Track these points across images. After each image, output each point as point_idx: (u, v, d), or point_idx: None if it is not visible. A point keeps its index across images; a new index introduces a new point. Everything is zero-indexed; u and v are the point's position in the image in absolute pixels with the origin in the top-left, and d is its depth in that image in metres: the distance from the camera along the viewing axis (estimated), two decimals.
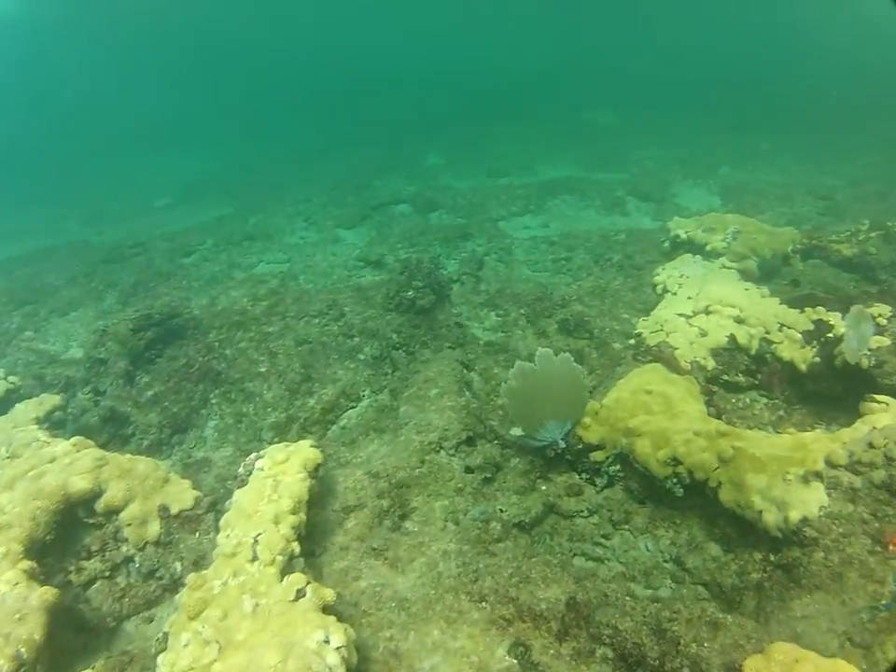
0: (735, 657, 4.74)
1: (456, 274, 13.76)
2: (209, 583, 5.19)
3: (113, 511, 6.73)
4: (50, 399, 9.65)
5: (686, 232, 12.95)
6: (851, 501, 5.70)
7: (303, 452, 6.84)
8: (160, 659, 4.71)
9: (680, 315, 9.83)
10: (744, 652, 4.78)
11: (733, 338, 9.14)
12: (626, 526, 7.07)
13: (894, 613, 4.88)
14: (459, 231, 16.97)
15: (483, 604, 5.73)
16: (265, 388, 10.35)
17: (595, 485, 7.59)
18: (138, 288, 15.29)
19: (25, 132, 48.37)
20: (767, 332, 9.03)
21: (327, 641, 4.51)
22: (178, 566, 6.68)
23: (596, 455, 7.64)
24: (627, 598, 5.73)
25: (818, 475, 5.87)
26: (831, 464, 5.96)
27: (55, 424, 9.41)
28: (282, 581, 5.13)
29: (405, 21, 68.92)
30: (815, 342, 8.54)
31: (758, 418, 8.36)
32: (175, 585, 6.51)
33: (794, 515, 5.64)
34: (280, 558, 5.37)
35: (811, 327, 8.72)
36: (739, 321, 9.33)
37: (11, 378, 10.56)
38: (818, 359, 8.29)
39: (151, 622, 6.40)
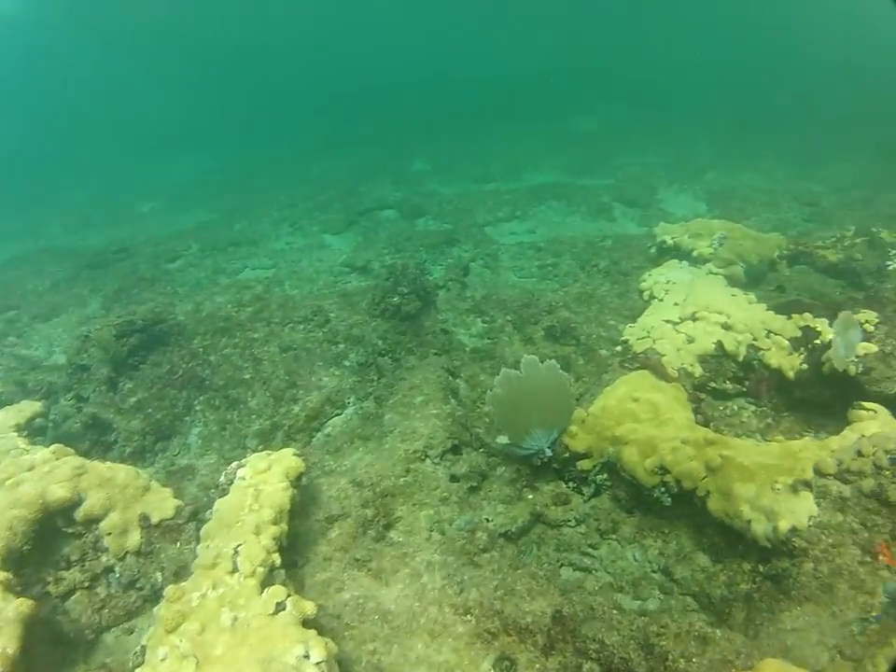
0: None
1: (442, 280, 13.68)
2: (188, 596, 5.10)
3: (93, 521, 6.61)
4: (31, 406, 9.49)
5: (672, 238, 12.93)
6: (840, 511, 5.68)
7: (285, 460, 6.77)
8: None
9: (667, 321, 9.79)
10: (733, 668, 4.75)
11: (720, 344, 9.10)
12: (614, 536, 7.01)
13: (885, 625, 4.84)
14: (445, 236, 16.91)
15: (468, 617, 5.67)
16: (249, 395, 10.26)
17: (583, 494, 7.53)
18: (122, 294, 15.16)
19: (20, 133, 47.95)
20: (755, 339, 8.99)
21: (307, 656, 4.44)
22: (159, 576, 6.58)
23: (583, 464, 7.59)
24: (614, 612, 5.68)
25: (807, 484, 5.84)
26: (820, 473, 5.95)
27: (36, 431, 9.26)
28: (262, 593, 5.05)
29: (390, 28, 68.91)
30: (802, 348, 8.51)
31: (746, 426, 8.31)
32: (156, 596, 6.39)
33: (783, 525, 5.60)
34: (260, 570, 5.29)
35: (798, 333, 8.69)
36: (726, 327, 9.28)
37: None
38: (805, 366, 8.25)
39: (132, 633, 6.31)
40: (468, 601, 5.82)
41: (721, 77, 40.90)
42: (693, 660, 4.93)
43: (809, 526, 5.59)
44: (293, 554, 6.48)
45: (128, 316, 11.15)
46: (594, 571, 6.65)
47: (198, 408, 10.22)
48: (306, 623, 4.91)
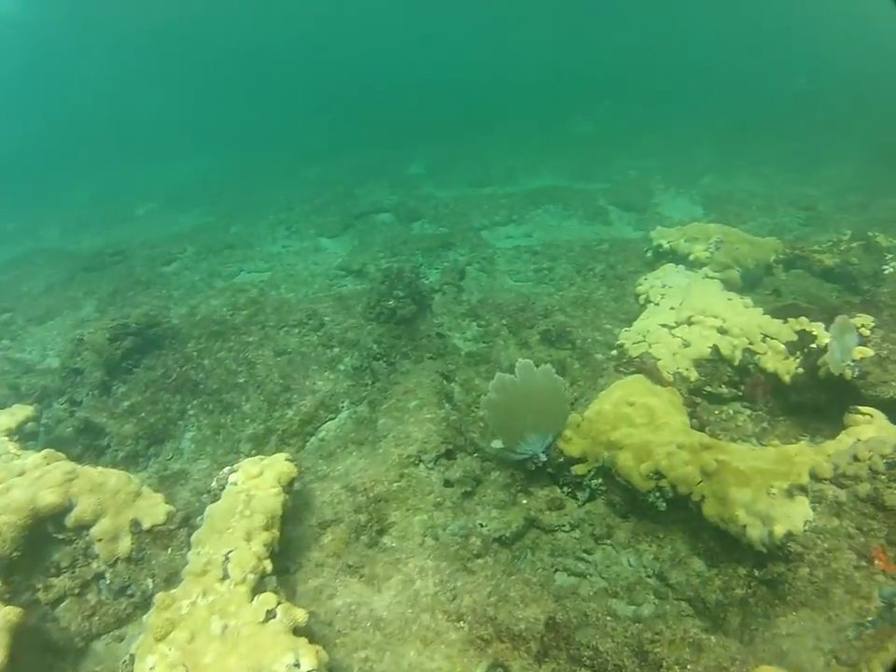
0: None
1: (438, 284, 13.65)
2: (177, 603, 5.05)
3: (83, 527, 6.56)
4: (23, 410, 9.43)
5: (669, 242, 12.92)
6: (836, 515, 5.65)
7: (278, 465, 6.73)
8: None
9: (663, 325, 9.78)
10: None
11: (716, 349, 9.08)
12: (609, 541, 6.99)
13: (881, 630, 4.80)
14: (441, 240, 16.86)
15: (461, 623, 5.63)
16: (243, 399, 10.22)
17: (577, 499, 7.52)
18: (117, 297, 15.11)
19: (21, 133, 47.83)
20: (751, 343, 8.97)
21: (297, 665, 4.40)
22: (150, 582, 6.53)
23: (578, 469, 7.56)
24: (608, 618, 5.65)
25: (802, 489, 5.83)
26: (815, 477, 5.92)
27: (28, 435, 9.18)
28: (252, 600, 5.00)
29: (388, 30, 68.83)
30: (798, 352, 8.49)
31: (741, 430, 8.28)
32: (147, 603, 6.31)
33: (779, 530, 5.58)
34: (251, 577, 5.24)
35: (794, 337, 8.67)
36: (722, 332, 9.26)
37: None
38: (801, 370, 8.23)
39: (122, 640, 6.26)
40: (461, 607, 5.78)
41: (717, 80, 40.90)
42: (688, 667, 4.91)
43: (805, 531, 5.57)
44: (285, 560, 6.43)
45: (122, 320, 11.12)
46: (588, 576, 6.63)
47: (191, 412, 10.17)
48: (297, 631, 4.87)
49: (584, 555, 6.88)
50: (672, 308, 10.16)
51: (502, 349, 10.98)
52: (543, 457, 7.60)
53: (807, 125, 26.75)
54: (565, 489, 7.64)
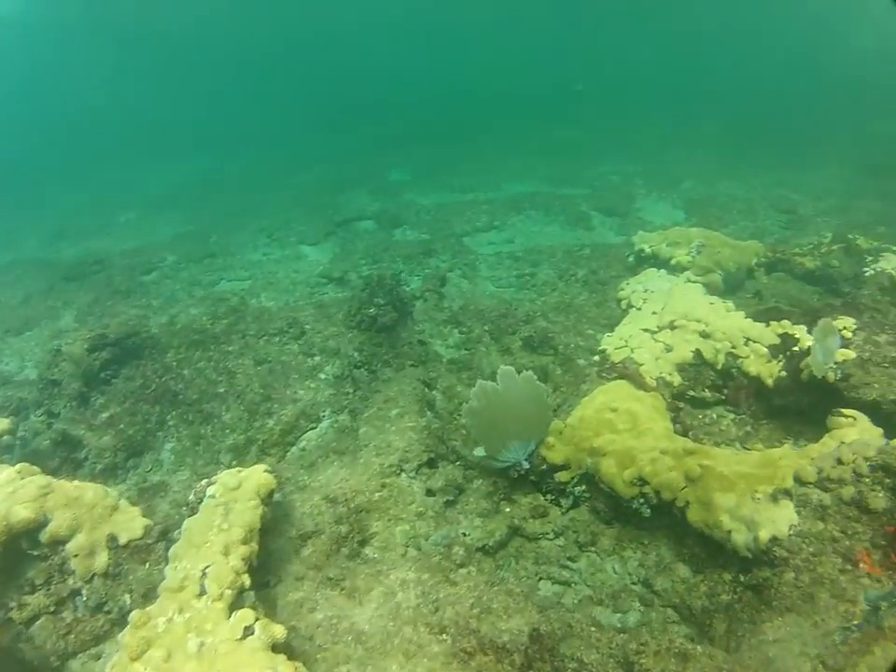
0: None
1: (419, 291, 13.58)
2: (153, 621, 4.96)
3: (59, 542, 6.45)
4: None
5: (650, 247, 12.93)
6: (821, 519, 5.64)
7: (256, 477, 6.64)
8: None
9: (645, 330, 9.78)
10: None
11: (698, 353, 9.08)
12: (593, 548, 6.97)
13: (867, 633, 4.78)
14: (423, 247, 16.83)
15: (444, 636, 5.57)
16: (223, 409, 10.12)
17: (561, 506, 7.48)
18: (96, 307, 14.97)
19: (14, 137, 47.30)
20: (733, 347, 8.96)
21: None
22: (127, 598, 6.42)
23: (561, 476, 7.54)
24: (592, 629, 5.60)
25: (787, 493, 5.83)
26: (800, 481, 5.92)
27: (3, 448, 9.11)
28: (230, 617, 4.91)
29: (373, 38, 68.82)
30: (781, 355, 8.49)
31: (725, 434, 8.28)
32: (124, 619, 6.13)
33: (764, 535, 5.57)
34: (228, 592, 5.16)
35: (777, 340, 8.67)
36: (705, 336, 9.25)
37: None
38: (784, 373, 8.24)
39: (99, 658, 6.14)
40: (443, 620, 5.72)
41: (697, 86, 41.13)
42: None
43: (790, 535, 5.56)
44: (265, 574, 6.36)
45: (100, 330, 11.02)
46: (573, 584, 6.60)
47: (171, 423, 10.05)
48: (277, 647, 4.79)
49: (569, 563, 6.85)
50: (654, 313, 10.15)
51: (484, 356, 10.93)
52: (526, 465, 7.56)
53: (788, 130, 26.95)
54: (548, 496, 7.60)
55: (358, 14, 63.81)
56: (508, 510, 7.45)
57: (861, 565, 5.22)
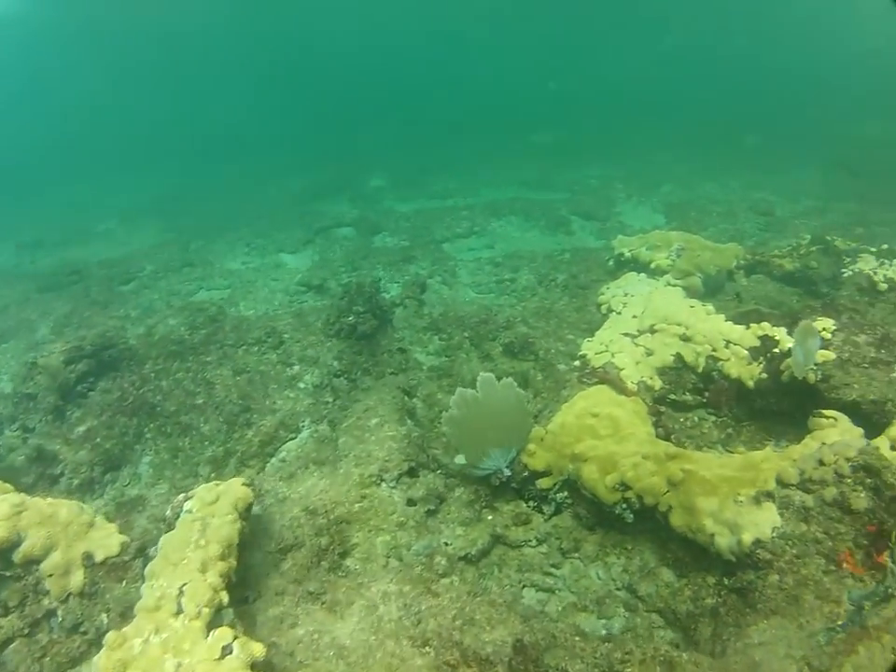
0: None
1: (399, 298, 13.50)
2: (129, 642, 4.86)
3: (33, 562, 6.32)
4: None
5: (630, 251, 12.95)
6: (804, 521, 5.62)
7: (234, 491, 6.54)
8: None
9: (626, 334, 9.78)
10: None
11: (679, 356, 9.09)
12: (576, 554, 6.95)
13: (851, 634, 4.75)
14: (402, 254, 16.83)
15: (427, 649, 5.51)
16: (202, 421, 10.01)
17: (543, 513, 7.45)
18: (73, 318, 14.79)
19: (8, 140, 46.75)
20: (714, 350, 8.96)
21: None
22: (104, 617, 6.29)
23: (543, 482, 7.52)
24: (577, 638, 5.56)
25: (769, 495, 5.83)
26: (782, 483, 5.92)
27: None
28: (208, 636, 4.82)
29: (351, 46, 68.72)
30: (761, 357, 8.50)
31: (707, 437, 8.28)
32: (101, 639, 6.01)
33: (747, 538, 5.57)
34: (206, 610, 5.07)
35: (757, 343, 8.67)
36: (685, 339, 9.25)
37: None
38: (765, 375, 8.26)
39: None
40: (426, 632, 5.66)
41: (675, 89, 41.36)
42: None
43: (773, 538, 5.55)
44: (244, 589, 6.27)
45: (77, 342, 10.85)
46: (557, 591, 6.58)
47: (149, 435, 9.93)
48: (256, 666, 4.71)
49: (552, 570, 6.82)
50: (634, 317, 10.15)
51: (465, 362, 10.88)
52: (507, 472, 7.52)
53: (767, 132, 27.15)
54: (530, 503, 7.57)
55: (340, 22, 63.73)
56: (490, 518, 7.40)
57: (845, 565, 5.21)
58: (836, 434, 6.41)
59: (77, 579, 6.35)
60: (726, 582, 5.75)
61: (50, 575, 6.26)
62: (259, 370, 10.96)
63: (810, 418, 7.10)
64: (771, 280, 12.32)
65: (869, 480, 5.56)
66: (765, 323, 8.84)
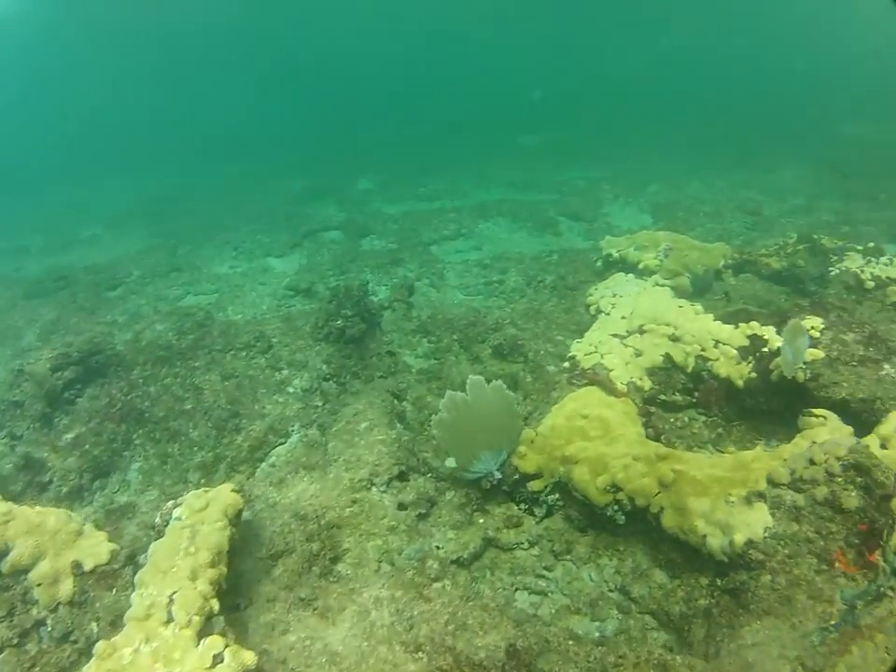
0: None
1: (387, 301, 13.47)
2: (119, 652, 4.81)
3: (21, 571, 6.28)
4: None
5: (618, 251, 12.97)
6: (795, 520, 5.63)
7: (223, 497, 6.50)
8: None
9: (615, 335, 9.78)
10: None
11: (668, 357, 9.10)
12: (568, 557, 6.92)
13: (844, 633, 4.76)
14: (390, 256, 16.81)
15: (420, 654, 5.49)
16: (191, 426, 9.96)
17: (535, 516, 7.43)
18: (59, 325, 14.69)
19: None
20: (703, 349, 8.97)
21: None
22: (94, 626, 6.23)
23: (534, 485, 7.49)
24: (570, 642, 5.55)
25: (760, 495, 5.83)
26: (773, 483, 5.93)
27: None
28: (198, 645, 4.78)
29: (337, 48, 68.62)
30: (750, 357, 8.52)
31: (697, 437, 8.30)
32: (92, 648, 6.00)
33: (739, 538, 5.57)
34: (196, 619, 5.02)
35: (746, 342, 8.70)
36: (674, 339, 9.27)
37: None
38: (754, 375, 8.28)
39: None
40: (418, 638, 5.63)
41: (661, 89, 41.42)
42: None
43: (765, 538, 5.55)
44: (235, 596, 6.23)
45: (63, 348, 10.79)
46: (549, 594, 6.56)
47: (137, 442, 9.87)
48: None
49: (545, 572, 6.80)
50: (623, 317, 10.15)
51: (454, 365, 10.86)
52: (498, 475, 7.50)
53: (755, 132, 27.27)
54: (521, 506, 7.55)
55: (339, 24, 63.72)
56: (481, 521, 7.38)
57: (837, 564, 5.23)
58: (826, 433, 6.41)
59: (67, 588, 6.30)
60: (719, 583, 5.74)
61: (39, 584, 6.21)
62: (247, 374, 10.92)
63: (800, 417, 7.12)
64: (759, 279, 12.36)
65: (859, 478, 5.57)
66: (754, 322, 8.87)
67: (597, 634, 5.96)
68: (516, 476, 7.56)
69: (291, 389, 10.47)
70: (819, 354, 7.81)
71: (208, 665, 4.59)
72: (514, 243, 17.79)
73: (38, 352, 11.58)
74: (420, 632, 5.69)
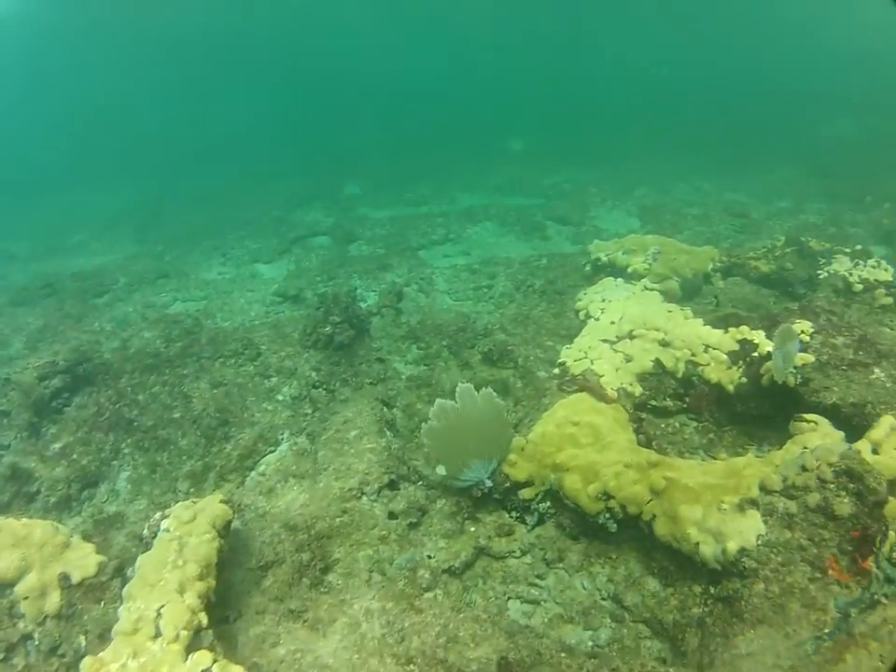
0: None
1: (376, 307, 13.41)
2: (106, 668, 4.74)
3: (7, 585, 6.19)
4: None
5: (607, 255, 12.95)
6: (788, 528, 5.59)
7: (212, 508, 6.44)
8: None
9: (604, 340, 9.75)
10: None
11: (658, 362, 9.09)
12: (561, 565, 6.88)
13: (838, 641, 4.74)
14: (378, 262, 16.78)
15: (411, 667, 5.46)
16: (180, 435, 9.88)
17: (526, 524, 7.39)
18: (46, 333, 14.58)
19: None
20: (693, 354, 8.97)
21: None
22: (82, 639, 6.16)
23: (525, 493, 7.45)
24: (562, 654, 5.51)
25: (753, 502, 5.80)
26: (765, 489, 5.89)
27: None
28: (186, 659, 4.72)
29: (324, 51, 68.57)
30: (741, 361, 8.52)
31: (688, 442, 8.29)
32: (79, 662, 5.96)
33: (732, 546, 5.53)
34: (185, 633, 4.96)
35: (736, 347, 8.70)
36: (664, 344, 9.26)
37: None
38: (744, 379, 8.28)
39: None
40: (409, 650, 5.59)
41: (647, 93, 41.56)
42: None
43: (758, 545, 5.51)
44: (224, 608, 6.17)
45: (50, 357, 10.71)
46: (542, 603, 6.51)
47: (126, 451, 9.79)
48: None
49: (537, 581, 6.75)
50: (612, 322, 10.12)
51: (444, 371, 10.82)
52: (489, 483, 7.46)
53: (741, 135, 27.39)
54: (513, 514, 7.51)
55: (339, 23, 63.66)
56: (473, 529, 7.33)
57: (830, 572, 5.19)
58: (818, 438, 6.43)
59: (54, 601, 6.22)
60: (712, 591, 5.70)
61: (26, 597, 6.12)
62: (236, 382, 10.85)
63: (791, 422, 7.10)
64: (748, 282, 12.38)
65: (852, 485, 5.54)
66: (744, 326, 8.86)
67: (590, 643, 5.92)
68: (507, 484, 7.52)
69: (280, 397, 10.42)
70: (810, 358, 7.80)
71: None
72: (502, 247, 17.79)
73: (25, 360, 11.48)
74: (411, 644, 5.65)
